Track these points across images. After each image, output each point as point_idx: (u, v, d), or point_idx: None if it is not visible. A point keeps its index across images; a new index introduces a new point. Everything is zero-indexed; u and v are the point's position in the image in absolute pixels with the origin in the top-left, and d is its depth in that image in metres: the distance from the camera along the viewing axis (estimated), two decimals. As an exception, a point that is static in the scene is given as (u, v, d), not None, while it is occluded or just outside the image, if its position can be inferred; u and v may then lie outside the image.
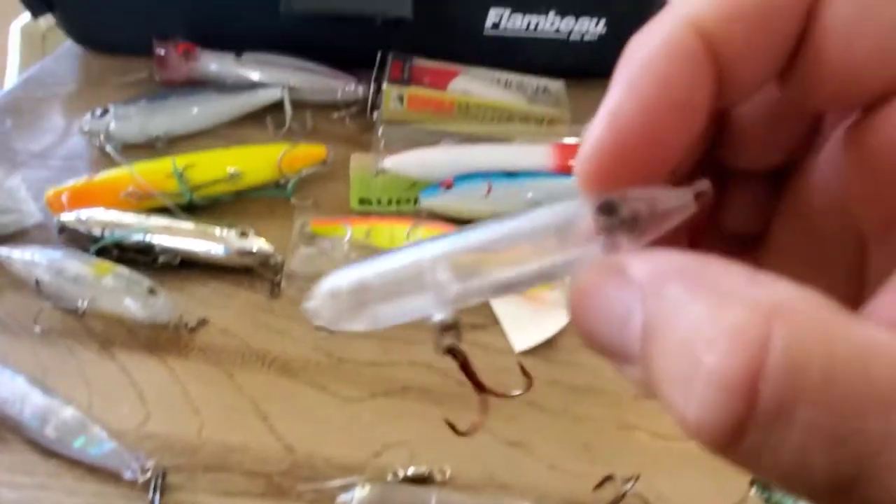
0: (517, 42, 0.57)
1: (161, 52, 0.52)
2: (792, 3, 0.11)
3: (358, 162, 0.49)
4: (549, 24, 0.56)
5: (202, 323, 0.37)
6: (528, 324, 0.39)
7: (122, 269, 0.37)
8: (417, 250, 0.13)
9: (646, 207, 0.12)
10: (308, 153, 0.46)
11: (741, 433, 0.09)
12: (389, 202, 0.46)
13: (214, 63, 0.53)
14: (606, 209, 0.12)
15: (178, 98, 0.49)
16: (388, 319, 0.14)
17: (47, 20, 0.57)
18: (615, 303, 0.11)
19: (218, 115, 0.50)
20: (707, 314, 0.09)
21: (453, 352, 0.14)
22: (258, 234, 0.41)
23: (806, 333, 0.09)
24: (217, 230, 0.40)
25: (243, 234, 0.40)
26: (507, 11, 0.55)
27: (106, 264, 0.37)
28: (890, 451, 0.08)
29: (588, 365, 0.38)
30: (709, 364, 0.09)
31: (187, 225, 0.40)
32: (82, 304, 0.35)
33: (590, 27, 0.56)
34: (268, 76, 0.53)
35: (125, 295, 0.36)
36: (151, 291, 0.36)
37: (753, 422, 0.09)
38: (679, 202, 0.12)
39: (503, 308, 0.40)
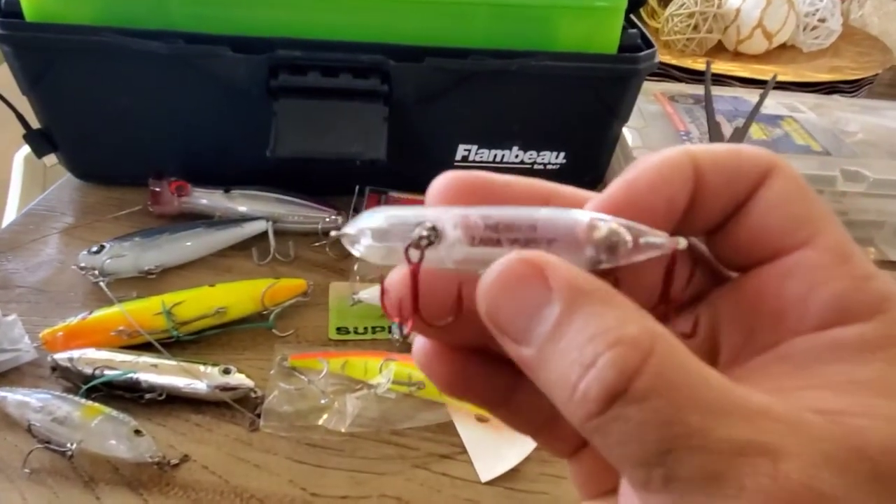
0: (484, 170, 0.61)
1: (156, 188, 0.57)
2: (750, 174, 0.16)
3: (336, 292, 0.52)
4: (514, 156, 0.61)
5: (184, 459, 0.39)
6: (493, 452, 0.41)
7: (110, 411, 0.39)
8: (438, 209, 0.16)
9: (630, 235, 0.15)
10: (290, 286, 0.50)
11: (611, 402, 0.13)
12: (365, 330, 0.50)
13: (205, 198, 0.57)
14: (600, 221, 0.15)
15: (171, 234, 0.53)
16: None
17: (49, 158, 0.61)
18: (531, 294, 0.14)
19: (207, 248, 0.54)
20: (612, 324, 0.13)
21: (419, 247, 0.16)
22: (240, 365, 0.44)
23: (672, 355, 0.13)
24: (201, 367, 0.43)
25: (226, 371, 0.42)
26: (474, 147, 0.60)
27: (95, 406, 0.39)
28: (697, 438, 0.12)
29: (552, 494, 0.40)
30: (610, 355, 0.13)
31: (173, 363, 0.43)
32: (71, 446, 0.37)
33: (551, 158, 0.62)
34: (254, 208, 0.57)
35: (112, 436, 0.38)
36: (137, 432, 0.38)
37: (624, 397, 0.13)
38: (657, 240, 0.15)
39: (470, 435, 0.42)
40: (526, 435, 0.19)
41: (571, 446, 0.19)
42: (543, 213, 0.15)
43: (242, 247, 0.56)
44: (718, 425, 0.12)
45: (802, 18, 0.95)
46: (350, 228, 0.17)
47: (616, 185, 0.16)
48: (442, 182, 0.17)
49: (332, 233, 0.17)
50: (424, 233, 0.15)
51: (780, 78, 0.85)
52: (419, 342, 0.18)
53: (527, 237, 0.15)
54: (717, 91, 0.76)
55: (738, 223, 0.16)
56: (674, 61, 0.89)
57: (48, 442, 0.39)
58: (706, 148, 0.16)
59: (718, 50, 0.95)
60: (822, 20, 0.95)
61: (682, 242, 0.15)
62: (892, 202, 0.61)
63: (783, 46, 0.97)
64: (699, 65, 0.88)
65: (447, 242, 0.15)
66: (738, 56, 0.95)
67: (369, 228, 0.16)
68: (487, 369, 0.18)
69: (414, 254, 0.16)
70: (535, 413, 0.18)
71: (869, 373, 0.14)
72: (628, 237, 0.15)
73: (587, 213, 0.15)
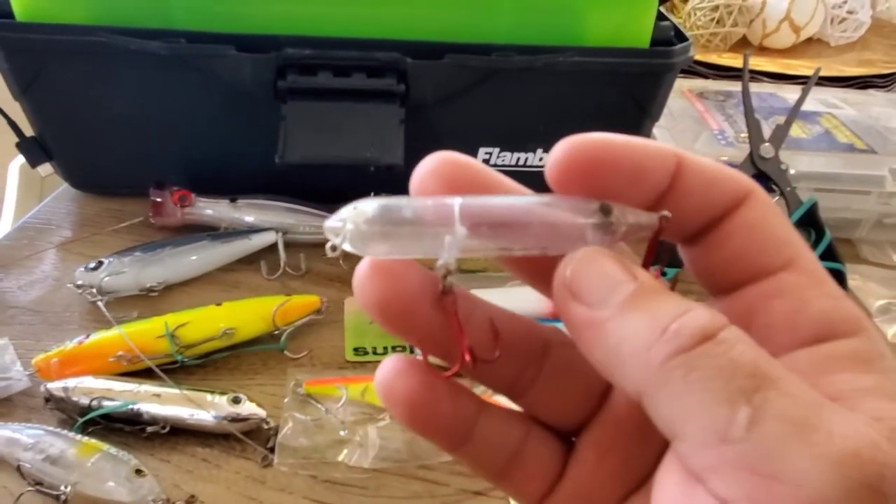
0: (506, 174, 0.58)
1: (157, 199, 0.53)
2: (728, 191, 0.16)
3: (352, 308, 0.49)
4: (538, 159, 0.57)
5: (190, 501, 0.36)
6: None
7: (108, 448, 0.35)
8: (445, 202, 0.15)
9: (628, 217, 0.16)
10: (302, 303, 0.46)
11: (702, 340, 0.13)
12: (385, 350, 0.46)
13: (210, 209, 0.53)
14: (604, 210, 0.15)
15: (173, 248, 0.49)
16: (401, 248, 0.15)
17: (45, 167, 0.58)
18: (615, 274, 0.15)
19: (212, 262, 0.50)
20: (691, 302, 0.14)
21: (448, 294, 0.16)
22: (251, 392, 0.40)
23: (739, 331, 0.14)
24: (208, 396, 0.39)
25: (235, 400, 0.39)
26: (496, 150, 0.57)
27: (91, 444, 0.36)
28: (784, 385, 0.13)
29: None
30: (699, 309, 0.14)
31: (177, 392, 0.39)
32: (65, 489, 0.34)
33: (578, 161, 0.58)
34: (262, 219, 0.54)
35: (110, 477, 0.34)
36: (138, 472, 0.34)
37: (714, 338, 0.13)
38: (649, 220, 0.16)
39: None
40: (490, 480, 0.18)
41: (542, 486, 0.18)
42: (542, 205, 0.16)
43: (250, 260, 0.52)
44: (800, 383, 0.13)
45: (831, 10, 0.91)
46: (335, 220, 0.15)
47: (613, 139, 0.16)
48: (433, 164, 0.17)
49: (326, 225, 0.15)
50: (451, 267, 0.16)
51: (809, 72, 0.81)
52: (391, 363, 0.17)
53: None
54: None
55: (720, 242, 0.17)
56: (697, 57, 0.85)
57: (40, 483, 0.35)
58: (691, 154, 0.17)
59: (743, 44, 0.91)
60: (852, 12, 0.91)
61: (665, 212, 0.16)
62: (944, 203, 0.57)
63: (809, 40, 0.93)
64: (724, 60, 0.84)
65: (455, 238, 0.15)
66: (763, 50, 0.91)
67: (360, 218, 0.15)
68: (454, 396, 0.17)
69: (448, 299, 0.16)
70: (499, 449, 0.18)
71: (870, 381, 0.15)
72: (628, 219, 0.16)
73: (586, 201, 0.16)
